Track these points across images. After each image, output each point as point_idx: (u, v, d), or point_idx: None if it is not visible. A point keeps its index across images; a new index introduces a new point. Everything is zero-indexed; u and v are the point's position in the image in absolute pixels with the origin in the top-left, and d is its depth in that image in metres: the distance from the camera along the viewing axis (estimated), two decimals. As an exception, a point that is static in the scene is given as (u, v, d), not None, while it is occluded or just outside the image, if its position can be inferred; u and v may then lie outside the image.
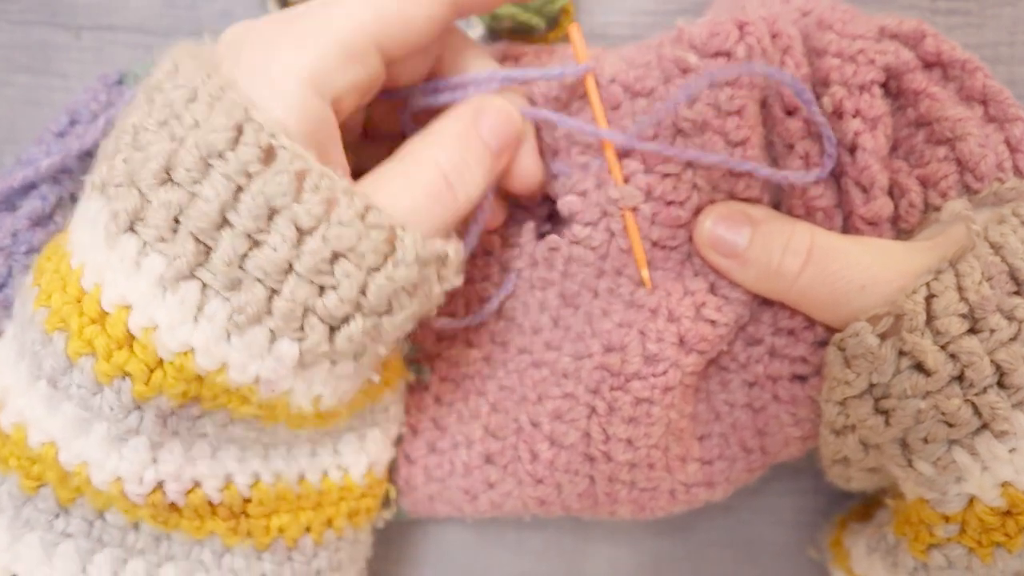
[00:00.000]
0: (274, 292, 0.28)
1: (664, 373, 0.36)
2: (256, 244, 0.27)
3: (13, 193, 0.35)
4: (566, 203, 0.37)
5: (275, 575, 0.34)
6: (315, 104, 0.28)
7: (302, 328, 0.28)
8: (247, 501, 0.32)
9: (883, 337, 0.32)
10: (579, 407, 0.37)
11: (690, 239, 0.36)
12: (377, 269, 0.28)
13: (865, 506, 0.42)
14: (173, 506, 0.31)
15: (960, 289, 0.31)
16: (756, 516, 0.46)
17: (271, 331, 0.28)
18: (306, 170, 0.27)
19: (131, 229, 0.28)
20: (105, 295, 0.28)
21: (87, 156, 0.36)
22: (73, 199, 0.36)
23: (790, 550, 0.45)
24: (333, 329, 0.29)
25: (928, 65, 0.35)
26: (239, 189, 0.27)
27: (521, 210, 0.40)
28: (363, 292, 0.28)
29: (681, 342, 0.36)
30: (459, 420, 0.41)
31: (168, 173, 0.27)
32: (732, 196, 0.35)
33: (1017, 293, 0.31)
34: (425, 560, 0.47)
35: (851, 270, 0.33)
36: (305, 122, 0.28)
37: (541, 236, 0.39)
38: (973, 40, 0.43)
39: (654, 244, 0.36)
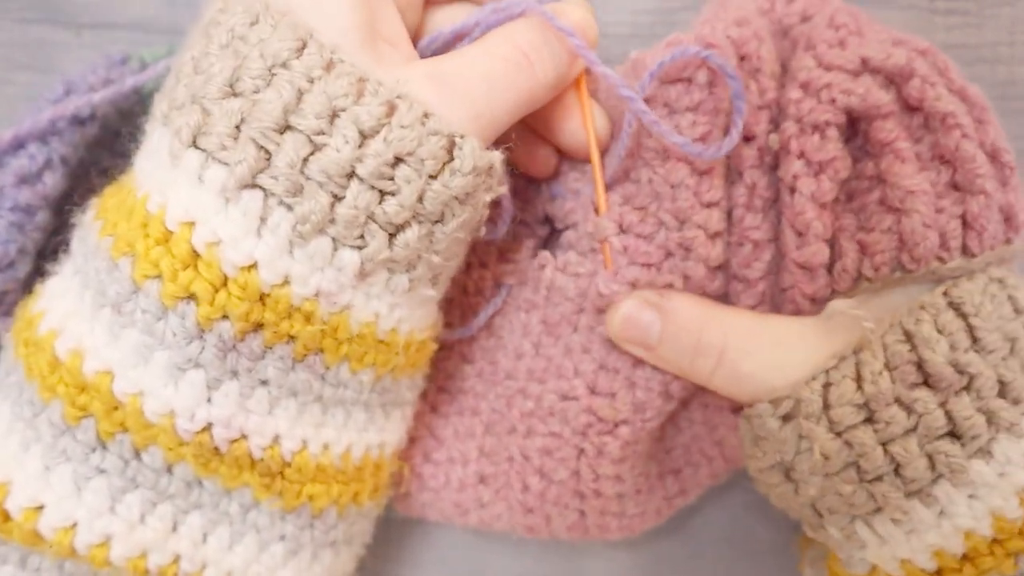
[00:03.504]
0: (336, 199, 0.28)
1: (651, 419, 0.36)
2: (318, 148, 0.28)
3: (2, 152, 0.35)
4: (566, 237, 0.37)
5: (294, 538, 0.34)
6: None
7: (362, 236, 0.29)
8: (287, 464, 0.32)
9: (785, 419, 0.32)
10: (568, 447, 0.37)
11: (665, 287, 0.35)
12: (435, 176, 0.29)
13: None
14: (216, 450, 0.31)
15: (858, 379, 0.31)
16: (752, 514, 0.46)
17: (333, 240, 0.29)
18: (366, 77, 0.28)
19: (194, 144, 0.28)
20: (169, 213, 0.28)
21: (79, 123, 0.37)
22: (63, 161, 0.36)
23: (785, 549, 0.45)
24: (391, 236, 0.29)
25: (909, 108, 0.33)
26: (301, 93, 0.28)
27: (523, 227, 0.40)
28: (420, 199, 0.29)
29: (666, 391, 0.36)
30: (455, 435, 0.41)
31: (232, 87, 0.28)
32: (704, 230, 0.34)
33: (924, 384, 0.31)
34: (425, 560, 0.47)
35: (763, 372, 0.33)
36: None
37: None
38: (973, 40, 0.43)
39: (632, 286, 0.35)
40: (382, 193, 0.29)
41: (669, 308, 0.34)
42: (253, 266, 0.28)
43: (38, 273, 0.36)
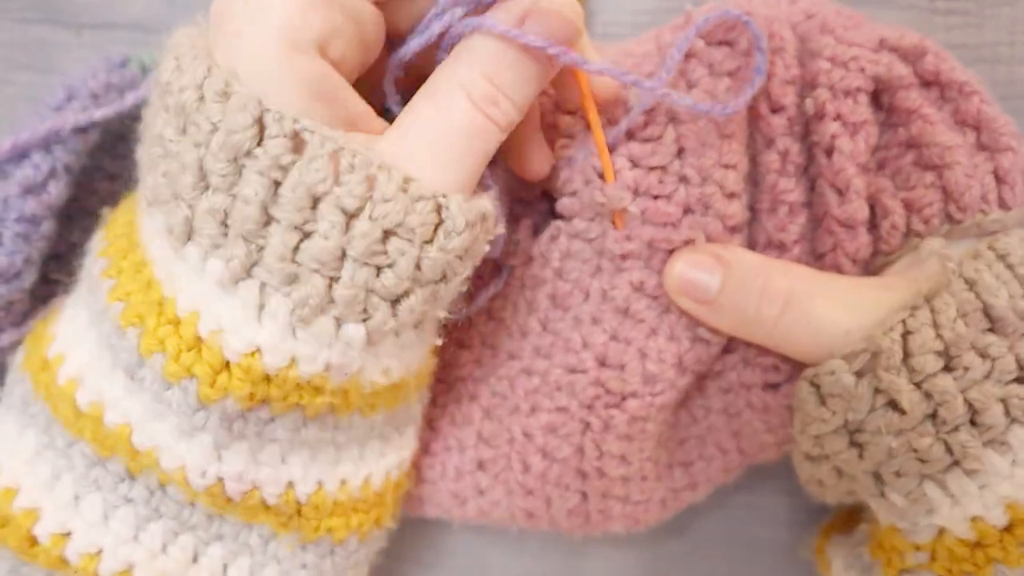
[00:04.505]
0: (333, 280, 0.28)
1: (662, 393, 0.36)
2: (306, 235, 0.27)
3: (5, 161, 0.35)
4: (564, 205, 0.36)
5: (315, 567, 0.34)
6: (301, 61, 0.27)
7: (365, 310, 0.28)
8: (302, 506, 0.33)
9: (859, 375, 0.32)
10: (573, 422, 0.37)
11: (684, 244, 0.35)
12: (430, 242, 0.28)
13: (848, 514, 0.42)
14: (229, 499, 0.31)
15: (936, 326, 0.31)
16: (753, 515, 0.46)
17: (336, 318, 0.28)
18: (339, 150, 0.27)
19: (190, 239, 0.28)
20: (179, 303, 0.28)
21: (81, 131, 0.36)
22: (67, 170, 0.36)
23: (786, 549, 0.45)
24: (394, 303, 0.29)
25: (926, 83, 0.35)
26: (277, 183, 0.27)
27: (520, 205, 0.39)
28: (418, 267, 0.28)
29: (680, 363, 0.36)
30: (452, 423, 0.41)
31: (205, 180, 0.27)
32: (721, 188, 0.34)
33: (991, 330, 0.31)
34: (426, 560, 0.47)
35: (833, 313, 0.32)
36: (300, 83, 0.27)
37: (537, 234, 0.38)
38: (973, 40, 0.43)
39: (649, 245, 0.35)
40: (378, 267, 0.28)
41: (731, 258, 0.34)
42: (256, 352, 0.28)
43: (44, 281, 0.36)
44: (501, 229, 0.31)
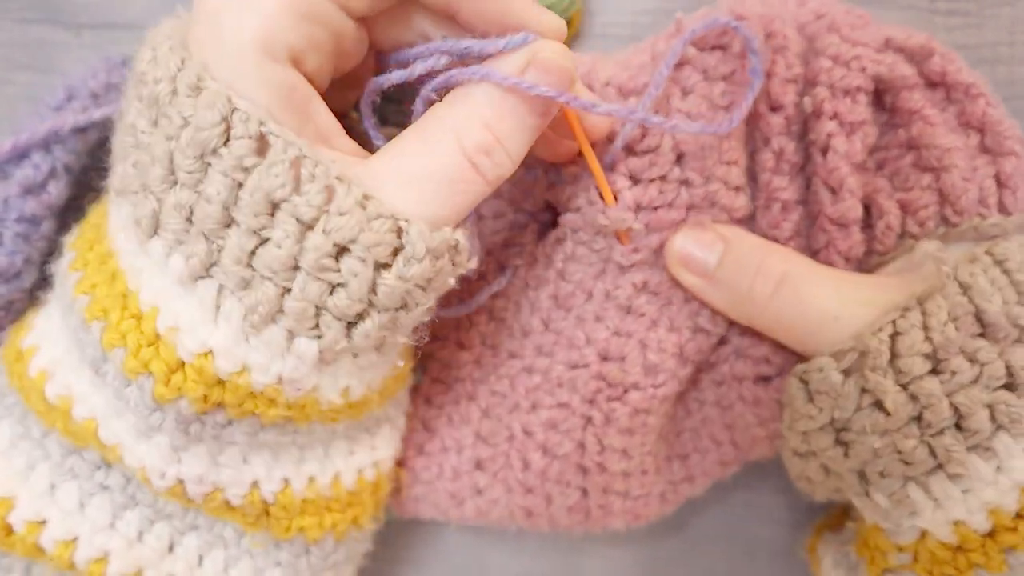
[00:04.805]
0: (285, 290, 0.27)
1: (663, 384, 0.36)
2: (263, 241, 0.27)
3: (6, 162, 0.35)
4: (568, 220, 0.37)
5: (291, 565, 0.34)
6: (273, 69, 0.27)
7: (317, 326, 0.28)
8: (269, 505, 0.33)
9: (847, 373, 0.32)
10: (574, 417, 0.37)
11: None
12: (387, 266, 0.27)
13: (840, 513, 0.42)
14: (192, 500, 0.31)
15: (926, 329, 0.31)
16: (751, 513, 0.46)
17: (288, 330, 0.28)
18: (301, 157, 0.26)
19: (156, 233, 0.28)
20: (141, 296, 0.28)
21: (80, 130, 0.36)
22: (67, 170, 0.36)
23: (785, 547, 0.46)
24: (351, 325, 0.28)
25: (931, 84, 0.35)
26: (239, 185, 0.26)
27: (524, 215, 0.40)
28: (373, 290, 0.27)
29: (681, 353, 0.36)
30: (449, 424, 0.41)
31: (174, 175, 0.27)
32: (725, 183, 0.35)
33: (982, 335, 0.31)
34: (424, 560, 0.47)
35: (825, 299, 0.33)
36: (269, 90, 0.27)
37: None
38: (973, 40, 0.43)
39: (654, 251, 0.35)
40: (332, 285, 0.27)
41: (731, 235, 0.34)
42: (209, 353, 0.28)
43: (44, 281, 0.36)
44: (474, 264, 0.30)
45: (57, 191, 0.36)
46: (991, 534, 0.31)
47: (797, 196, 0.36)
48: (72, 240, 0.32)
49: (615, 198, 0.35)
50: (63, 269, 0.32)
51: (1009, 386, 0.31)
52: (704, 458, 0.41)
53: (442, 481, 0.40)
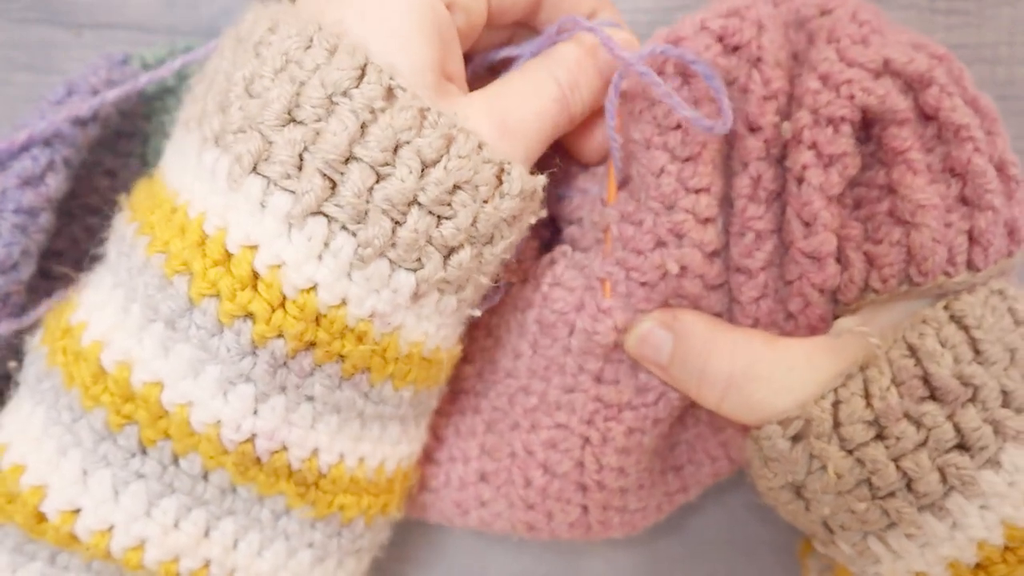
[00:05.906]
0: (397, 224, 0.30)
1: (655, 403, 0.36)
2: (382, 177, 0.29)
3: (6, 155, 0.35)
4: (568, 234, 0.37)
5: (322, 546, 0.35)
6: (433, 2, 0.31)
7: (419, 259, 0.30)
8: (322, 476, 0.33)
9: (795, 440, 0.32)
10: (573, 437, 0.37)
11: (664, 275, 0.35)
12: (487, 201, 0.31)
13: None
14: (257, 460, 0.32)
15: (867, 396, 0.31)
16: (752, 515, 0.46)
17: (391, 262, 0.30)
18: (426, 108, 0.30)
19: (255, 171, 0.29)
20: (231, 236, 0.29)
21: (80, 124, 0.37)
22: (66, 163, 0.37)
23: (785, 549, 0.45)
24: (446, 258, 0.31)
25: (925, 117, 0.33)
26: (364, 125, 0.29)
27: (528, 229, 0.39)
28: (474, 223, 0.31)
29: None
30: (456, 434, 0.41)
31: (290, 114, 0.29)
32: (693, 215, 0.33)
33: (931, 398, 0.31)
34: (425, 560, 0.47)
35: (771, 397, 0.33)
36: (428, 16, 0.30)
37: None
38: (973, 40, 0.43)
39: (626, 272, 0.35)
40: (439, 217, 0.30)
41: (680, 329, 0.35)
42: (313, 288, 0.29)
43: (41, 275, 0.36)
44: (544, 213, 0.34)
45: (55, 183, 0.36)
46: None
47: (772, 225, 0.34)
48: (129, 216, 0.33)
49: (615, 196, 0.36)
50: (127, 238, 0.32)
51: (961, 447, 0.31)
52: (699, 469, 0.41)
53: (448, 490, 0.41)
